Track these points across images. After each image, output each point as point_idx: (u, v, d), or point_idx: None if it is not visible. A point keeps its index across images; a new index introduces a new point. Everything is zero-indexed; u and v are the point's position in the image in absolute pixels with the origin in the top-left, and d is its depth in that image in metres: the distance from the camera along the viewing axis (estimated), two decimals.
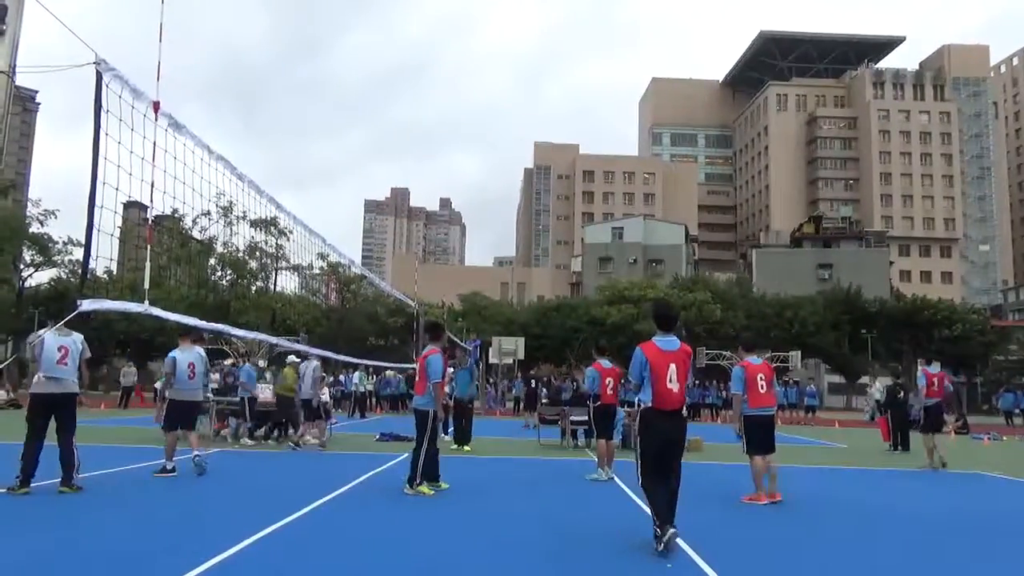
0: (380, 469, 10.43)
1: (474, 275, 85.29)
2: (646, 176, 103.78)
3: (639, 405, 5.87)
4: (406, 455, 12.19)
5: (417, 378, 8.73)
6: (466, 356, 16.09)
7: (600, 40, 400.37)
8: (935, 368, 13.48)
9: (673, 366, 5.69)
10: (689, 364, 5.87)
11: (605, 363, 10.46)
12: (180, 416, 9.44)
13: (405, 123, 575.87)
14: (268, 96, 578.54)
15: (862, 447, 17.65)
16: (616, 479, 9.72)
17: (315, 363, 13.87)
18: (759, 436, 8.33)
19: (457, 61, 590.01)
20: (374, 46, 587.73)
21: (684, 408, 5.82)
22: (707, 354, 40.65)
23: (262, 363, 17.45)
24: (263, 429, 14.23)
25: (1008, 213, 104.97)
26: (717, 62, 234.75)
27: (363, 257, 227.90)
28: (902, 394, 17.34)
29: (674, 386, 5.66)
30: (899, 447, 16.43)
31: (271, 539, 5.63)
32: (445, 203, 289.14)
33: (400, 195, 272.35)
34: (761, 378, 8.32)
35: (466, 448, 13.80)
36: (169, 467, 9.11)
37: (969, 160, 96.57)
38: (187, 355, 9.48)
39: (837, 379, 56.53)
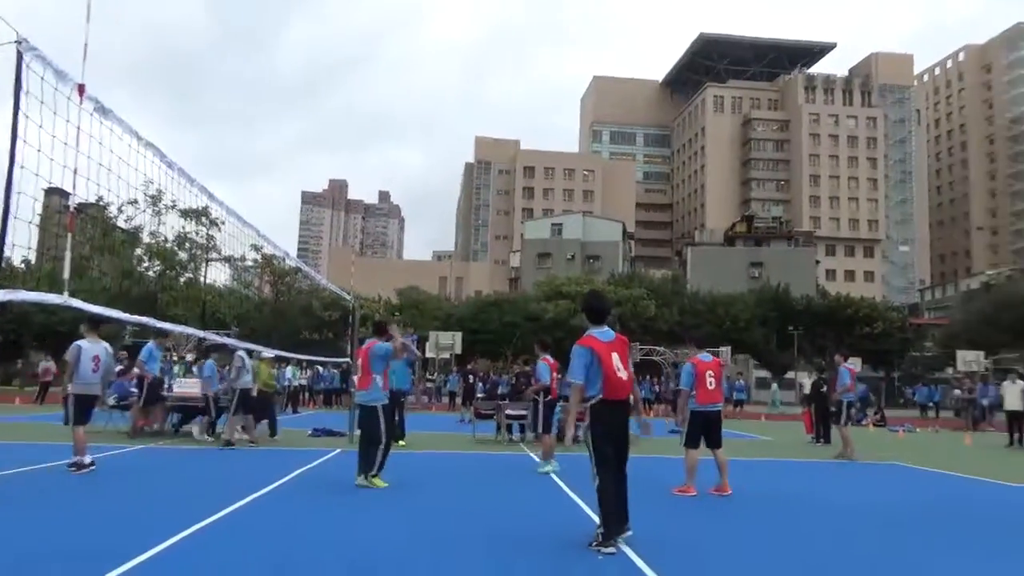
0: (312, 465, 10.28)
1: (412, 269, 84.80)
2: (586, 173, 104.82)
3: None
4: (339, 450, 12.15)
5: (359, 372, 8.65)
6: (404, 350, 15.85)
7: (544, 37, 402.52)
8: (853, 365, 14.07)
9: (615, 355, 5.70)
10: (627, 351, 5.88)
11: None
12: (84, 410, 9.05)
13: (346, 114, 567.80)
14: (203, 82, 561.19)
15: (786, 440, 18.26)
16: (552, 474, 9.83)
17: (242, 354, 13.57)
18: (702, 431, 8.55)
19: (401, 53, 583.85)
20: (316, 35, 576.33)
21: (631, 397, 5.81)
22: (641, 349, 41.31)
23: (190, 357, 16.98)
24: (195, 423, 13.88)
25: (927, 216, 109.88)
26: (658, 62, 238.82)
27: (299, 249, 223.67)
28: (825, 388, 18.03)
29: (623, 373, 5.68)
30: (821, 439, 17.09)
31: (195, 538, 5.49)
32: (384, 196, 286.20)
33: (338, 187, 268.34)
34: (710, 375, 8.53)
35: (400, 443, 13.73)
36: (87, 462, 8.76)
37: (892, 164, 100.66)
38: (94, 347, 9.11)
39: (764, 374, 58.31)
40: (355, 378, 9.95)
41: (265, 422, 13.96)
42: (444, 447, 13.83)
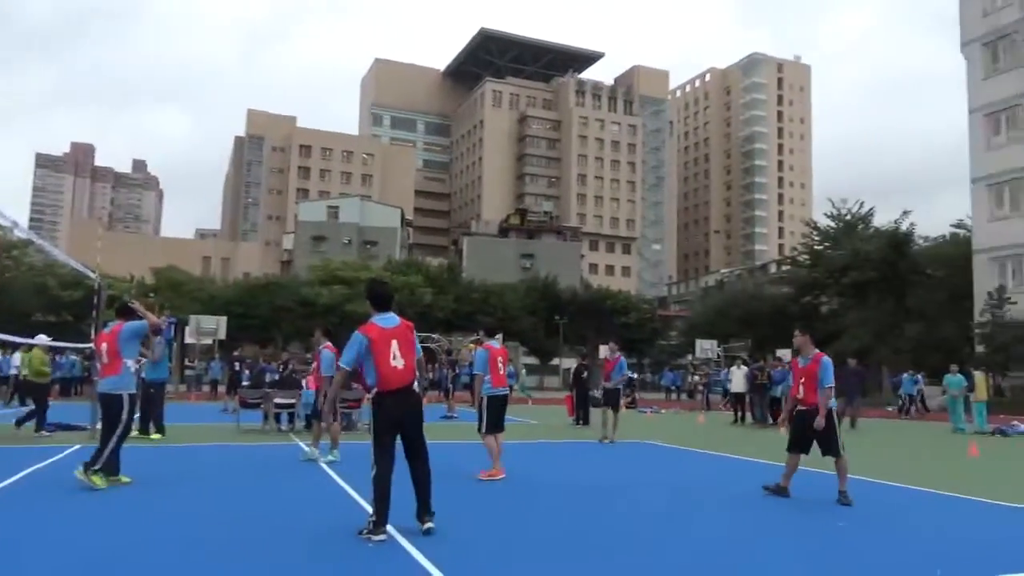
0: (46, 463, 9.08)
1: (172, 247, 78.08)
2: (365, 157, 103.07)
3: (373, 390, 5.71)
4: (79, 446, 10.83)
5: (105, 359, 7.70)
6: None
7: (326, 13, 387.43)
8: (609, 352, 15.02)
9: (395, 343, 5.60)
10: (412, 338, 5.79)
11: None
12: None
13: (98, 71, 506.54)
14: None
15: (551, 422, 19.33)
16: (323, 464, 9.54)
17: None
18: (499, 415, 8.78)
19: (168, 10, 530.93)
20: None
21: (415, 383, 5.72)
22: (417, 336, 41.52)
23: None
24: None
25: (676, 218, 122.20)
26: (440, 52, 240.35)
27: (31, 219, 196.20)
28: (585, 374, 19.32)
29: (398, 363, 5.57)
30: (581, 421, 18.32)
31: None
32: (140, 165, 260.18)
33: (83, 151, 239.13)
34: (500, 360, 8.86)
35: (155, 436, 12.61)
36: None
37: (649, 170, 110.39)
38: None
39: (532, 360, 61.41)
40: (98, 365, 8.82)
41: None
42: (206, 439, 12.89)
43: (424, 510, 5.60)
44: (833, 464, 7.52)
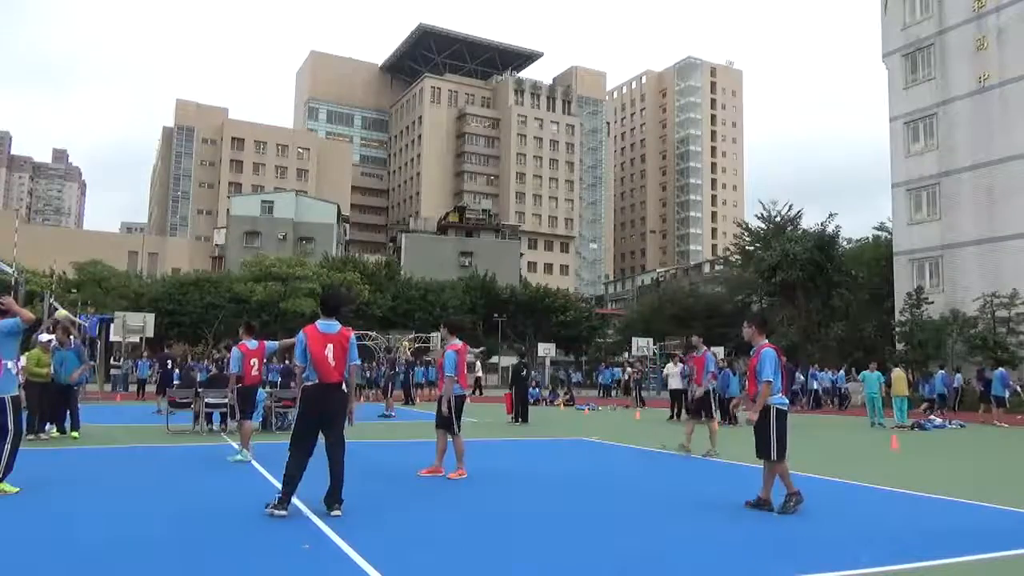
0: None
1: (95, 241, 74.85)
2: (300, 150, 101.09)
3: (306, 384, 6.31)
4: None
5: None
6: (68, 337, 13.61)
7: (259, 2, 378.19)
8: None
9: (330, 346, 6.30)
10: (347, 346, 6.47)
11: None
12: None
13: (15, 51, 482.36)
14: None
15: (491, 420, 19.34)
16: (253, 461, 9.32)
17: None
18: (460, 414, 8.79)
19: None
20: None
21: (343, 384, 6.37)
22: (354, 334, 40.98)
23: None
24: None
25: (612, 218, 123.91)
26: (377, 46, 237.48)
27: None
28: (525, 371, 19.38)
29: (332, 362, 6.27)
30: (520, 419, 18.40)
31: None
32: (60, 155, 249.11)
33: None
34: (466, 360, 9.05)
35: (74, 435, 12.18)
36: None
37: (586, 169, 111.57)
38: None
39: (470, 358, 61.37)
40: None
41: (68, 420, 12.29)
42: (130, 441, 12.43)
43: (335, 498, 6.18)
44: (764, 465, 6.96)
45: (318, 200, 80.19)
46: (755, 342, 7.20)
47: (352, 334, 6.69)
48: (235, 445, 10.61)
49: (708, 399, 11.77)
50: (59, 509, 6.42)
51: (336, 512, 6.06)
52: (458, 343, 8.80)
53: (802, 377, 29.75)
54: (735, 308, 53.64)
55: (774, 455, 6.75)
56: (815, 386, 30.08)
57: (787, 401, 7.04)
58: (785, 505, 6.76)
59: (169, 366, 22.14)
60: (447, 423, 8.67)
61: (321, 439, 6.30)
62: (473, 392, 30.51)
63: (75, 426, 12.75)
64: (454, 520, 6.35)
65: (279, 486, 6.27)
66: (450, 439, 8.74)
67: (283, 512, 5.95)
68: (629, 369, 37.38)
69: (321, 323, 6.47)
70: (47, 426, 12.56)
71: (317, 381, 6.21)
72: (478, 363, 36.85)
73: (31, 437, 11.70)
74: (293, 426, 6.40)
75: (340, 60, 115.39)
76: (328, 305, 6.73)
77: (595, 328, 62.23)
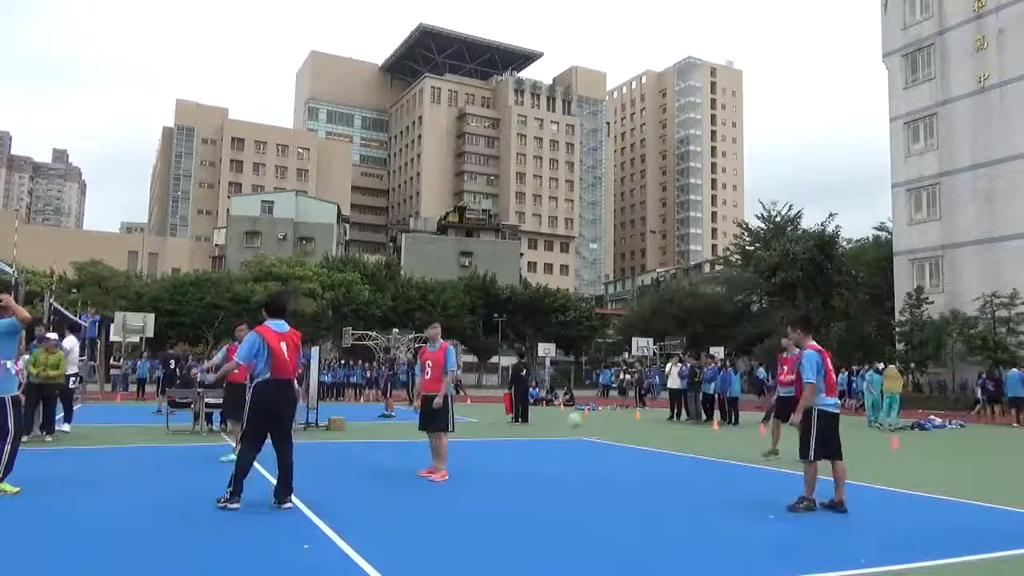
0: None
1: (95, 241, 74.90)
2: (300, 150, 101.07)
3: (254, 380, 6.60)
4: None
5: None
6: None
7: (260, 1, 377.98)
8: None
9: (283, 344, 6.62)
10: (298, 344, 6.85)
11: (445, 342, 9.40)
12: None
13: (15, 52, 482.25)
14: None
15: (491, 421, 19.33)
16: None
17: None
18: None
19: None
20: None
21: (295, 380, 6.82)
22: (353, 334, 41.02)
23: None
24: None
25: (612, 218, 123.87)
26: (377, 46, 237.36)
27: None
28: (525, 372, 19.37)
29: (287, 357, 6.59)
30: (520, 419, 18.38)
31: None
32: (60, 155, 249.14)
33: None
34: None
35: (65, 429, 12.26)
36: None
37: (586, 169, 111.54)
38: None
39: (470, 358, 61.36)
40: None
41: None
42: (130, 441, 12.42)
43: (284, 492, 6.43)
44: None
45: (318, 200, 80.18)
46: (802, 345, 7.10)
47: (300, 336, 7.00)
48: (233, 444, 10.58)
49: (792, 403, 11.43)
50: (59, 509, 6.42)
51: (287, 505, 6.32)
52: (446, 342, 9.03)
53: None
54: (735, 308, 53.62)
55: (810, 455, 6.78)
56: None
57: (834, 402, 6.94)
58: (795, 504, 6.82)
59: (172, 365, 22.07)
60: (445, 422, 8.62)
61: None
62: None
63: (67, 419, 12.90)
64: (454, 520, 6.35)
65: (273, 481, 6.57)
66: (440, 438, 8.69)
67: (236, 505, 6.18)
68: (626, 376, 37.39)
69: (271, 323, 6.75)
70: (42, 433, 12.27)
71: (270, 376, 6.47)
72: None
73: (26, 438, 11.68)
74: (244, 421, 6.61)
75: (340, 60, 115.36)
76: (276, 306, 7.04)
77: (595, 328, 62.19)
